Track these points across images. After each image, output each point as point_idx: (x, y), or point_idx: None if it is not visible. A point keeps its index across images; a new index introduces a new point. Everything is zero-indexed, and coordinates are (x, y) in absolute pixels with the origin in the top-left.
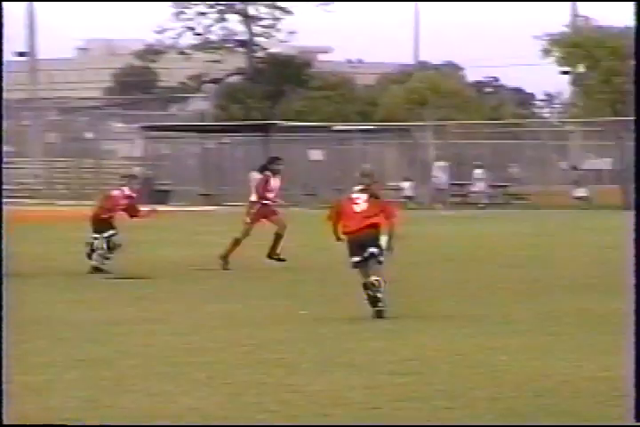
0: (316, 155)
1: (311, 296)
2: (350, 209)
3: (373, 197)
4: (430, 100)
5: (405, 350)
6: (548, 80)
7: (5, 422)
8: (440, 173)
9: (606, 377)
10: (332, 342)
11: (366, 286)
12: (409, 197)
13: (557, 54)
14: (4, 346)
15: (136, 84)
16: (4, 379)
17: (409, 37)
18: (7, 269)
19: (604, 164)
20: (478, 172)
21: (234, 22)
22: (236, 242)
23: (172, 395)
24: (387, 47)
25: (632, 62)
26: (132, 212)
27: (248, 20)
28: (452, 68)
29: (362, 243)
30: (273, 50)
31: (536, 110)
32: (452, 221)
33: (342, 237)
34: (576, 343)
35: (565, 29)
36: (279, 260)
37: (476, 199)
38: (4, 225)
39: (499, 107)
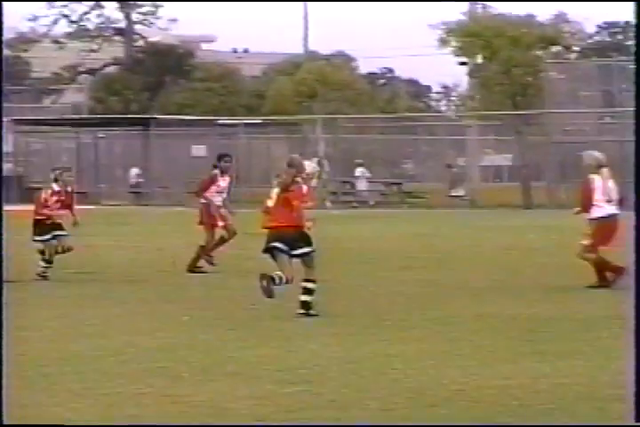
0: (199, 151)
1: (194, 301)
2: (266, 204)
3: (284, 190)
4: (320, 92)
5: (294, 358)
6: (444, 71)
7: (5, 422)
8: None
9: (505, 386)
10: (217, 349)
11: (268, 278)
12: None
13: (454, 44)
14: (4, 349)
15: (7, 74)
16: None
17: (298, 25)
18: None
19: (504, 160)
20: (360, 170)
21: (111, 9)
22: (221, 239)
23: (44, 406)
24: (274, 36)
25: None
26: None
27: (126, 6)
28: (344, 59)
29: (284, 238)
30: (153, 39)
31: (432, 103)
32: (343, 221)
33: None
34: (475, 350)
35: (463, 18)
36: (195, 271)
37: (365, 198)
38: (4, 225)
39: (393, 100)
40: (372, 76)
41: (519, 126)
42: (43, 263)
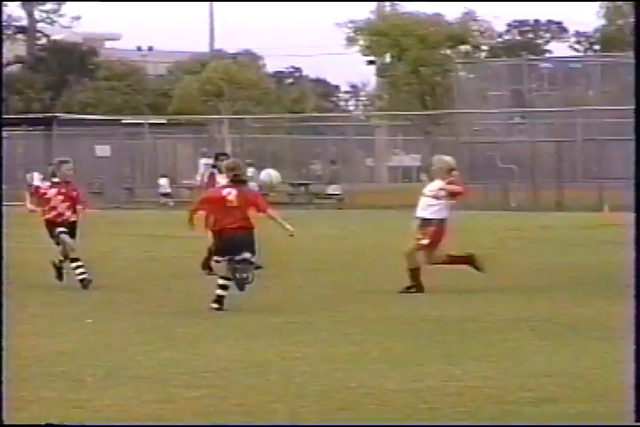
0: (103, 151)
1: (97, 303)
2: (223, 205)
3: (242, 192)
4: (226, 91)
5: (199, 361)
6: (352, 71)
7: (5, 422)
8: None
9: (414, 389)
10: (120, 352)
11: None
12: (166, 195)
13: (362, 43)
14: (3, 348)
15: None
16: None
17: (204, 23)
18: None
19: (412, 160)
20: (250, 170)
21: (13, 7)
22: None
23: None
24: (179, 34)
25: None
26: (78, 201)
27: (28, 4)
28: (250, 58)
29: (236, 244)
30: (56, 37)
31: (340, 103)
32: None
33: (209, 232)
34: (383, 353)
35: (370, 16)
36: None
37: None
38: (4, 225)
39: (300, 99)
40: (279, 75)
41: (428, 126)
42: (76, 268)
